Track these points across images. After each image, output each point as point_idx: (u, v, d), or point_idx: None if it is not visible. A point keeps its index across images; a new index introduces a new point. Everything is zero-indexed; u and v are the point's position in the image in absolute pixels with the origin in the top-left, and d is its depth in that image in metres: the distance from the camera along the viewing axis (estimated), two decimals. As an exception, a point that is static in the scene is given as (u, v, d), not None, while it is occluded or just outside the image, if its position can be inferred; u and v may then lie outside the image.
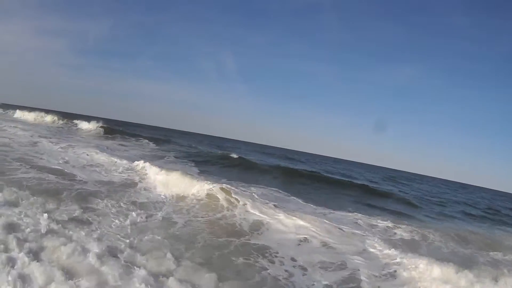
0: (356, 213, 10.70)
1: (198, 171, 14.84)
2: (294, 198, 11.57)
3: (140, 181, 9.91)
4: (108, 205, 6.98)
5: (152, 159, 15.36)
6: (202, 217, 7.61)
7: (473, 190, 52.19)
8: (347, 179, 22.39)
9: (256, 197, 9.53)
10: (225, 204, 8.58)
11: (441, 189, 36.43)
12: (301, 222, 7.63)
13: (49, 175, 8.65)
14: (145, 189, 9.15)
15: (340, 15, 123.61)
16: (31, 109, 41.82)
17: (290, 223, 7.65)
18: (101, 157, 12.65)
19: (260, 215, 8.02)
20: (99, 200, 7.20)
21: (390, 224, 9.64)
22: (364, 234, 7.98)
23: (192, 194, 9.09)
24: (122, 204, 7.27)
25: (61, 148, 13.68)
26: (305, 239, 7.04)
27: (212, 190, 9.20)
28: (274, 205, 8.88)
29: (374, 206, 13.89)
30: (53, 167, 9.80)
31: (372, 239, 7.48)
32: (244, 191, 10.08)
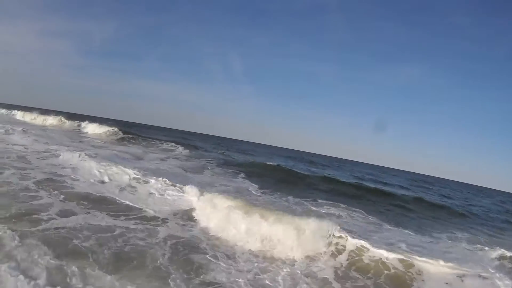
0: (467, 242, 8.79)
1: (257, 187, 12.53)
2: (389, 226, 9.37)
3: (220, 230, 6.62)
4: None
5: (197, 172, 13.12)
6: None
7: (490, 193, 50.29)
8: (392, 190, 20.30)
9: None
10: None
11: (471, 195, 34.44)
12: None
13: (99, 214, 6.19)
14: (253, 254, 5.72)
15: (344, 15, 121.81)
16: (36, 110, 39.44)
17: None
18: (140, 176, 10.01)
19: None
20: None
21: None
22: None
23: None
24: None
25: (85, 158, 11.25)
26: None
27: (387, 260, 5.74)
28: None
29: (461, 228, 11.79)
30: (96, 194, 7.48)
31: None
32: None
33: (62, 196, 6.69)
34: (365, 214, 10.33)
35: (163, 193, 8.45)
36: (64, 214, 5.74)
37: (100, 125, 27.73)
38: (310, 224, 6.41)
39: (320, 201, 11.45)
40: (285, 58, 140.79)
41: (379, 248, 5.94)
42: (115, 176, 9.36)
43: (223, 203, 7.44)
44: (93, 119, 33.91)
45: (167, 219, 6.69)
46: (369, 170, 46.13)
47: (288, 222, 6.49)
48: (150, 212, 6.87)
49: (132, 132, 28.04)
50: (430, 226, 11.11)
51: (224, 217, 6.74)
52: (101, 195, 7.44)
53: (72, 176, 8.63)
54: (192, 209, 7.52)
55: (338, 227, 6.51)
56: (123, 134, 24.16)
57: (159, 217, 6.67)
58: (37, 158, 10.37)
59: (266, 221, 6.48)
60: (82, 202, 6.63)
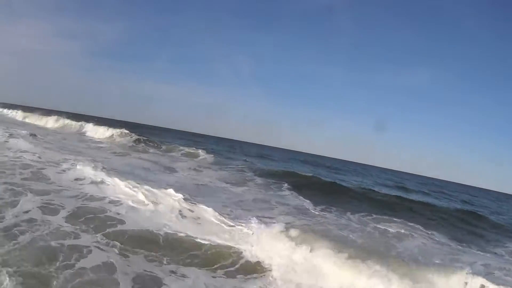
0: None
1: (310, 202, 10.52)
2: (473, 249, 8.32)
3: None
4: None
5: (239, 184, 11.04)
6: None
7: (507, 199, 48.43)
8: (430, 200, 18.49)
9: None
10: None
11: (498, 202, 32.46)
12: None
13: (195, 275, 4.14)
14: None
15: (353, 18, 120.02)
16: (40, 110, 37.31)
17: None
18: (188, 197, 7.84)
19: None
20: None
21: None
22: None
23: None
24: None
25: (111, 172, 9.02)
26: None
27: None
28: None
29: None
30: (159, 232, 5.32)
31: None
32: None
33: (115, 242, 4.57)
34: (427, 230, 9.30)
35: (231, 224, 6.34)
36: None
37: (109, 128, 25.51)
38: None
39: (374, 216, 10.39)
40: (293, 60, 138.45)
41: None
42: (158, 198, 7.24)
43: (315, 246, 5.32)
44: (99, 120, 31.89)
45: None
46: (384, 175, 44.13)
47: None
48: (247, 256, 4.81)
49: (143, 134, 25.85)
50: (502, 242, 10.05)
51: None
52: (169, 232, 5.34)
53: (109, 201, 6.53)
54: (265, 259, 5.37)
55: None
56: (137, 136, 21.89)
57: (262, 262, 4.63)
58: (57, 173, 8.24)
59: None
60: (151, 252, 4.51)
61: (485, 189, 72.47)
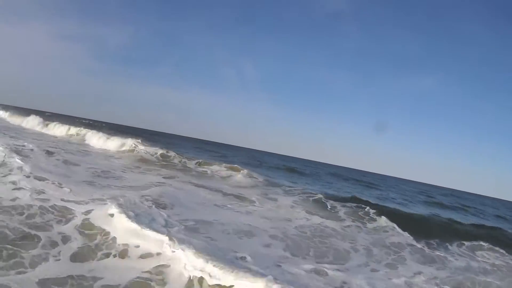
0: None
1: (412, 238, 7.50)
2: None
3: None
4: None
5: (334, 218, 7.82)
6: None
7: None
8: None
9: None
10: None
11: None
12: None
13: None
14: None
15: (359, 24, 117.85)
16: (41, 113, 33.86)
17: None
18: None
19: None
20: None
21: None
22: None
23: None
24: None
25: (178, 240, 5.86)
26: None
27: None
28: None
29: None
30: None
31: None
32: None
33: None
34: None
35: None
36: None
37: (122, 138, 21.82)
38: None
39: (466, 243, 8.92)
40: (300, 65, 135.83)
41: None
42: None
43: None
44: (106, 126, 28.60)
45: None
46: (404, 186, 41.04)
47: None
48: None
49: (150, 140, 22.44)
50: None
51: None
52: None
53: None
54: None
55: None
56: (161, 150, 18.33)
57: None
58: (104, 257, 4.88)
59: None
60: None
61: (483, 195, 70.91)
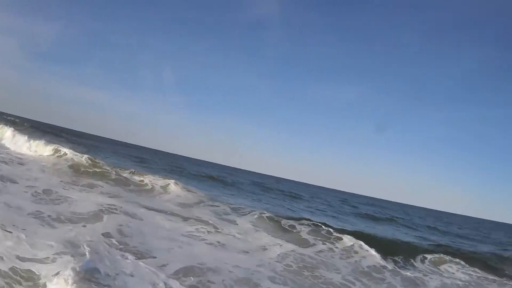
0: None
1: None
2: None
3: None
4: None
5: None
6: None
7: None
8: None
9: None
10: None
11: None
12: None
13: None
14: None
15: (286, 31, 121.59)
16: None
17: None
18: None
19: None
20: None
21: None
22: None
23: None
24: None
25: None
26: None
27: None
28: None
29: None
30: None
31: None
32: None
33: None
34: None
35: None
36: None
37: (45, 139, 18.91)
38: None
39: (428, 256, 9.68)
40: (219, 70, 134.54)
41: None
42: None
43: None
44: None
45: None
46: (324, 195, 43.05)
47: None
48: None
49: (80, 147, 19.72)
50: None
51: None
52: None
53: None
54: None
55: None
56: (87, 155, 16.09)
57: None
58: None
59: None
60: None
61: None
